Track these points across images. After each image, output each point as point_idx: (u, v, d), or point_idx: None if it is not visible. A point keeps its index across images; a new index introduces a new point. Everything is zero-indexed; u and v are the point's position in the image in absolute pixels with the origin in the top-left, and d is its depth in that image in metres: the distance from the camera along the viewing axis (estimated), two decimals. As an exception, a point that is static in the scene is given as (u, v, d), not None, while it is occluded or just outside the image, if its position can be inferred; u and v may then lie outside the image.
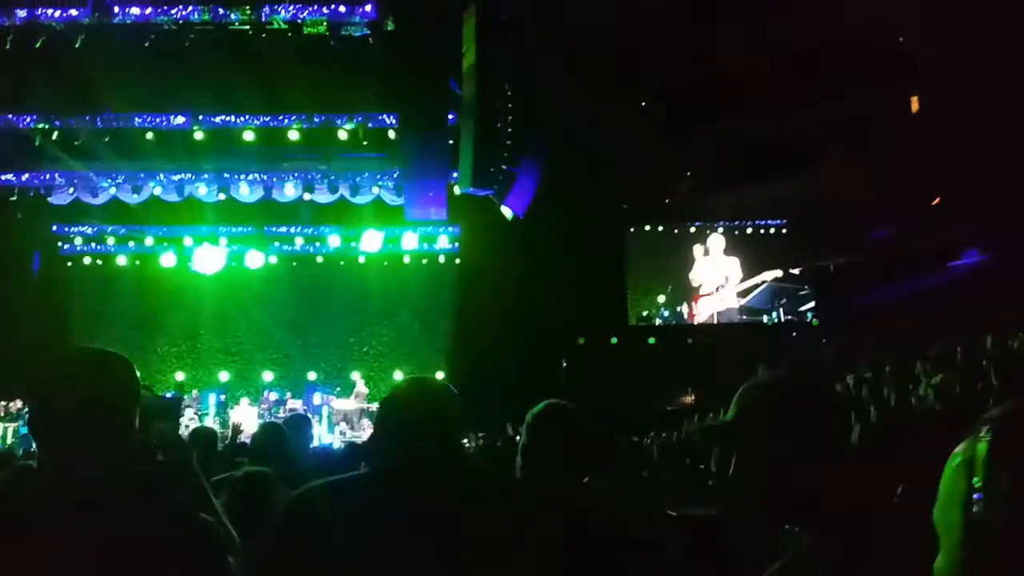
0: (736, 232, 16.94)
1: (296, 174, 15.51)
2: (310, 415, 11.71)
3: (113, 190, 15.31)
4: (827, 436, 1.43)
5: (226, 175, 15.39)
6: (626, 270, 16.94)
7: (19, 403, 14.32)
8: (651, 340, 16.49)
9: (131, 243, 17.23)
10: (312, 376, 17.08)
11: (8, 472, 1.79)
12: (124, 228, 16.94)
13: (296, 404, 15.50)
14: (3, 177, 15.20)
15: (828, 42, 13.41)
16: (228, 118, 14.60)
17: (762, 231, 17.01)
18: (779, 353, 14.14)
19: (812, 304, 16.37)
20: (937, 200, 14.61)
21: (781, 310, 16.53)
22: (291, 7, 13.83)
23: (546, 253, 14.72)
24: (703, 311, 16.65)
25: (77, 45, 13.32)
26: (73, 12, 13.56)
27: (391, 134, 14.90)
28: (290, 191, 15.57)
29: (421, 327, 17.46)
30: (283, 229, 16.97)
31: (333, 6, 13.92)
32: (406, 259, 17.42)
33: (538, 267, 14.70)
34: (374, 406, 15.69)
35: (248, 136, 14.68)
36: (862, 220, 14.82)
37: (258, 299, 17.21)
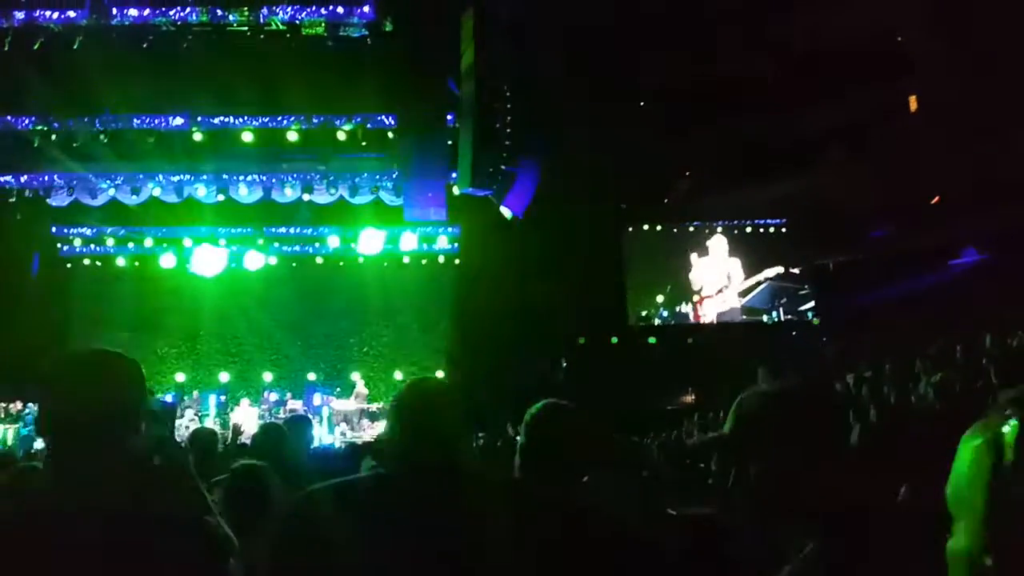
0: (735, 232, 16.94)
1: (295, 175, 15.51)
2: (310, 416, 11.71)
3: (112, 191, 15.31)
4: (825, 443, 1.43)
5: (225, 176, 15.39)
6: (625, 270, 16.94)
7: (19, 404, 14.32)
8: (652, 340, 16.48)
9: (130, 244, 17.23)
10: (312, 377, 17.08)
11: (12, 474, 1.79)
12: (123, 229, 16.94)
13: (296, 405, 15.51)
14: (2, 179, 15.19)
15: (827, 42, 13.41)
16: (227, 119, 14.60)
17: (762, 230, 17.01)
18: (779, 352, 14.13)
19: (812, 304, 16.38)
20: (936, 199, 14.61)
21: (781, 309, 16.54)
22: (289, 8, 13.83)
23: (545, 253, 14.72)
24: (708, 312, 16.65)
25: (75, 47, 13.31)
26: (71, 14, 13.55)
27: (390, 135, 14.90)
28: (289, 192, 15.57)
29: (421, 327, 17.46)
30: (282, 230, 16.98)
31: (331, 7, 13.91)
32: (405, 259, 17.43)
33: (537, 267, 14.70)
34: (374, 406, 15.71)
35: (247, 137, 14.67)
36: (862, 219, 14.83)
37: (258, 300, 17.21)
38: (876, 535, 1.27)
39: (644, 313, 16.79)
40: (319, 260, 17.43)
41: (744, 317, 16.57)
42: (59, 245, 17.16)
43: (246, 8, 13.70)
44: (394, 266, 17.41)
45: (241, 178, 15.41)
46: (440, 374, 15.05)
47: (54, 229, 16.83)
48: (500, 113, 12.81)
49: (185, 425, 13.38)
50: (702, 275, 16.77)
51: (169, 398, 15.56)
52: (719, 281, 16.71)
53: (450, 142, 13.64)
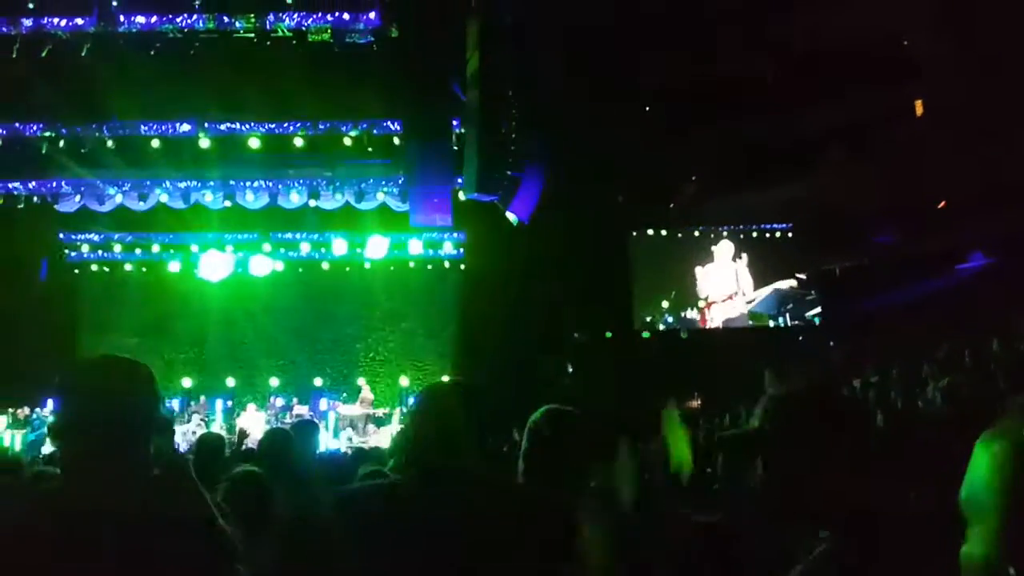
0: (741, 236, 16.89)
1: (301, 181, 15.57)
2: (316, 421, 11.71)
3: (119, 197, 15.38)
4: (853, 445, 1.43)
5: (232, 182, 15.45)
6: (631, 275, 16.90)
7: (26, 410, 14.37)
8: (645, 335, 16.41)
9: (138, 250, 17.31)
10: (318, 382, 17.11)
11: (25, 478, 1.81)
12: (131, 235, 17.02)
13: (302, 410, 15.53)
14: (10, 185, 15.28)
15: (832, 44, 13.40)
16: (234, 125, 14.66)
17: (767, 235, 16.96)
18: (785, 357, 14.10)
19: (818, 310, 16.30)
20: (943, 203, 14.57)
21: (788, 315, 16.48)
22: (295, 15, 13.88)
23: (551, 258, 14.72)
24: (715, 318, 16.59)
25: (83, 54, 13.38)
26: (79, 21, 13.62)
27: (396, 140, 14.94)
28: (295, 198, 15.62)
29: (426, 333, 17.48)
30: (289, 235, 17.03)
31: (337, 13, 13.96)
32: (411, 265, 17.46)
33: (542, 273, 14.70)
34: (380, 412, 15.73)
35: (254, 143, 14.73)
36: (868, 224, 14.79)
37: (264, 305, 17.26)
38: (887, 539, 1.27)
39: (648, 319, 16.74)
40: (325, 266, 17.47)
41: (751, 322, 16.52)
42: (67, 251, 17.24)
43: (252, 15, 13.75)
44: (400, 271, 17.44)
45: (248, 184, 15.47)
46: (444, 379, 15.05)
47: (62, 235, 16.91)
48: (505, 119, 12.83)
49: (192, 430, 13.41)
50: (709, 281, 16.72)
51: (175, 403, 15.61)
52: (728, 287, 16.65)
53: (456, 148, 13.67)
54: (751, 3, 13.26)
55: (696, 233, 16.94)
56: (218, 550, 1.67)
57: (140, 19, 13.74)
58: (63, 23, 13.62)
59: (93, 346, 15.55)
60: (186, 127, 14.58)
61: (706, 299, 16.61)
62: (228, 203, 15.59)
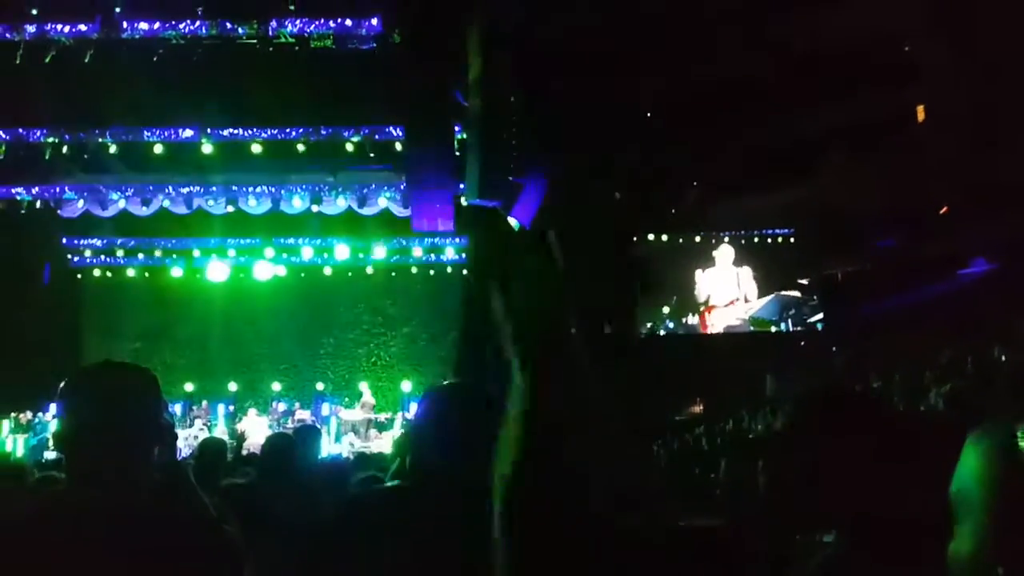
0: (743, 241, 16.86)
1: (304, 186, 15.59)
2: (319, 425, 11.72)
3: (122, 203, 15.41)
4: (880, 449, 1.43)
5: (234, 187, 15.48)
6: (634, 280, 16.88)
7: (29, 415, 14.38)
8: (644, 333, 16.38)
9: (140, 255, 17.35)
10: (320, 387, 17.12)
11: (29, 484, 1.82)
12: (133, 240, 17.06)
13: (304, 414, 15.54)
14: (14, 190, 15.31)
15: (833, 48, 13.42)
16: (236, 131, 14.69)
17: (769, 240, 16.92)
18: (787, 363, 14.10)
19: (821, 316, 16.26)
20: (945, 208, 14.56)
21: (790, 321, 16.44)
22: (298, 21, 13.91)
23: (552, 264, 14.71)
24: (716, 323, 16.54)
25: (86, 60, 13.42)
26: (82, 27, 13.66)
27: (398, 146, 14.96)
28: (298, 203, 15.65)
29: (429, 338, 17.50)
30: (291, 241, 17.06)
31: (340, 20, 14.00)
32: (413, 270, 17.49)
33: (544, 278, 14.69)
34: (382, 416, 15.73)
35: (256, 149, 14.76)
36: (869, 228, 14.78)
37: (266, 310, 17.28)
38: (892, 542, 1.27)
39: (648, 325, 16.70)
40: (327, 271, 17.50)
41: (752, 328, 16.49)
42: (70, 256, 17.27)
43: (255, 21, 13.80)
44: (402, 276, 17.46)
45: (250, 189, 15.50)
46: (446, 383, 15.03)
47: (65, 240, 16.95)
48: (507, 124, 12.85)
49: (194, 435, 13.42)
50: (709, 285, 16.68)
51: (178, 408, 15.62)
52: (729, 292, 16.62)
53: (457, 153, 13.69)
54: (752, 5, 13.28)
55: (697, 239, 16.92)
56: (222, 551, 1.68)
57: (143, 26, 13.78)
58: (66, 29, 13.66)
59: (96, 351, 15.58)
60: (189, 133, 14.61)
61: (706, 302, 16.57)
62: (231, 208, 15.62)
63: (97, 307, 17.24)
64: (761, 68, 13.86)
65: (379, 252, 16.73)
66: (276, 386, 17.15)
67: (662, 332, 16.65)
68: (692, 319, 16.62)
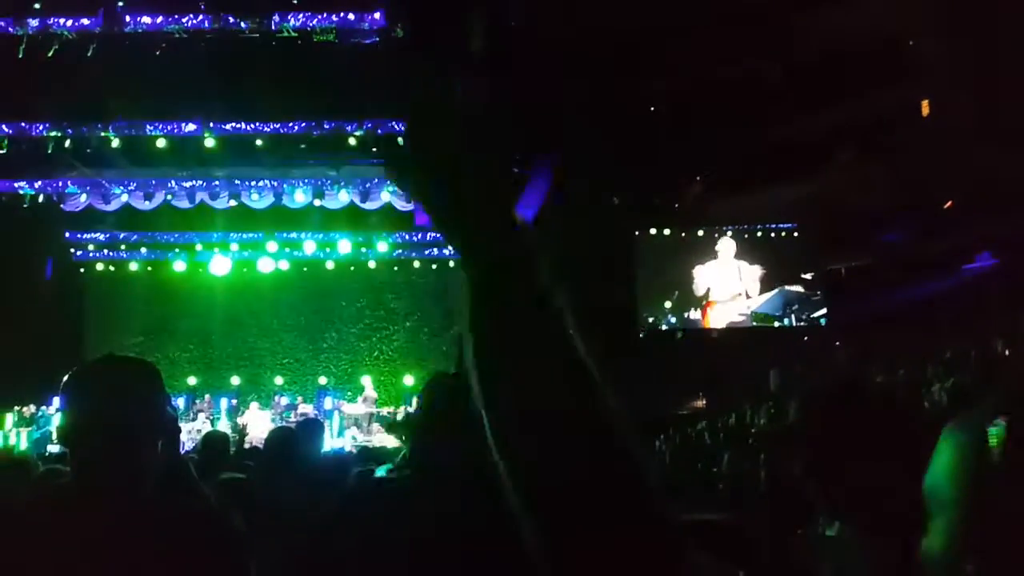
0: (746, 236, 16.80)
1: (306, 180, 15.59)
2: (321, 419, 11.73)
3: (125, 197, 15.42)
4: (891, 440, 1.43)
5: (237, 182, 15.48)
6: (637, 274, 16.86)
7: (32, 408, 14.42)
8: (641, 334, 16.37)
9: (143, 249, 17.37)
10: (323, 381, 17.13)
11: (34, 477, 1.82)
12: (136, 234, 17.07)
13: (307, 409, 15.56)
14: (16, 184, 15.32)
15: (839, 44, 13.37)
16: (239, 125, 14.69)
17: (772, 235, 16.87)
18: (790, 358, 14.09)
19: (824, 311, 16.21)
20: (949, 203, 14.53)
21: (793, 316, 16.40)
22: (300, 15, 13.89)
23: (555, 258, 14.70)
24: (717, 317, 16.50)
25: (89, 54, 13.41)
26: (85, 21, 13.65)
27: (400, 140, 14.94)
28: (300, 197, 15.65)
29: (431, 331, 17.50)
30: (294, 235, 17.06)
31: (342, 14, 13.97)
32: (416, 264, 17.49)
33: (548, 271, 14.68)
34: (384, 410, 15.75)
35: (258, 143, 14.75)
36: (874, 223, 14.76)
37: (269, 304, 17.30)
38: (896, 534, 1.27)
39: (650, 320, 16.67)
40: (330, 265, 17.50)
41: (754, 324, 16.45)
42: (73, 250, 17.29)
43: (258, 16, 13.78)
44: (404, 270, 17.46)
45: (253, 183, 15.50)
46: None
47: (68, 234, 16.97)
48: (511, 118, 12.81)
49: (197, 428, 13.44)
50: (710, 278, 16.61)
51: (180, 402, 15.65)
52: (731, 286, 16.58)
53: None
54: (757, 1, 13.24)
55: (700, 233, 16.86)
56: (226, 543, 1.68)
57: (146, 19, 13.77)
58: (69, 23, 13.65)
59: (98, 345, 15.61)
60: (191, 127, 14.61)
61: (706, 295, 16.51)
62: (233, 203, 15.62)
63: (100, 301, 17.27)
64: (765, 64, 13.82)
65: (381, 246, 16.74)
66: (279, 380, 17.17)
67: (664, 327, 16.62)
68: (694, 314, 16.57)
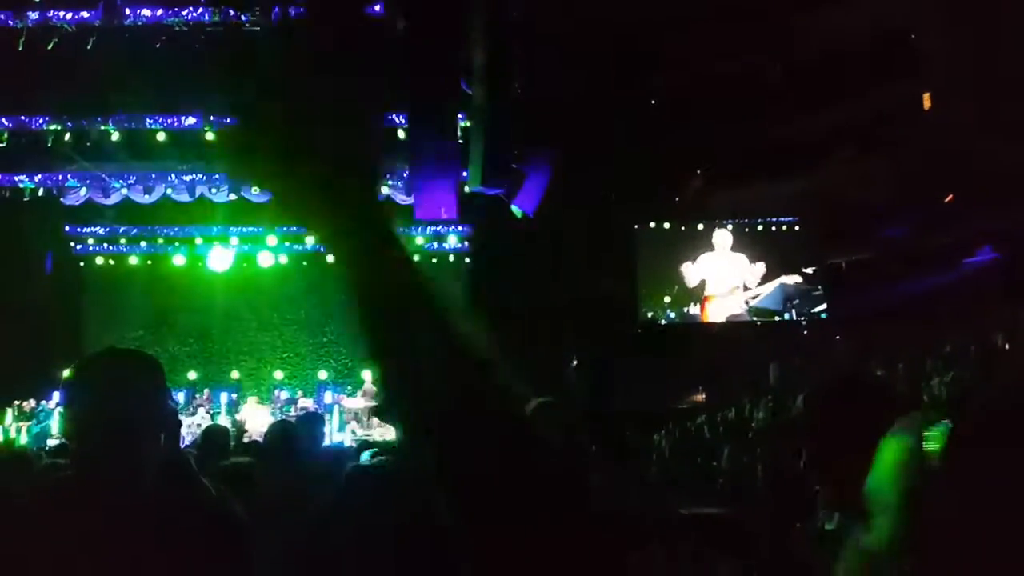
0: (747, 229, 16.75)
1: (306, 174, 15.55)
2: (322, 414, 11.75)
3: (125, 190, 15.39)
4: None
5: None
6: (636, 268, 16.83)
7: (32, 402, 14.42)
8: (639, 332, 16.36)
9: (143, 243, 17.35)
10: (323, 375, 17.13)
11: (36, 471, 1.82)
12: (136, 228, 17.05)
13: (307, 403, 15.57)
14: (16, 178, 15.31)
15: (839, 38, 13.34)
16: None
17: (773, 228, 16.81)
18: (790, 351, 14.10)
19: (825, 306, 16.18)
20: (950, 197, 14.52)
21: (794, 311, 16.35)
22: (301, 8, 13.86)
23: (555, 251, 14.71)
24: (715, 313, 16.45)
25: (88, 47, 13.38)
26: (84, 14, 13.62)
27: (400, 134, 14.92)
28: (301, 191, 15.61)
29: (431, 326, 17.49)
30: (294, 228, 17.03)
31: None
32: (416, 258, 17.40)
33: (547, 265, 14.69)
34: (385, 405, 15.74)
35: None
36: (874, 217, 14.74)
37: (269, 298, 17.29)
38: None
39: (649, 315, 16.63)
40: (330, 258, 17.40)
41: (754, 318, 16.42)
42: (72, 244, 17.28)
43: (258, 8, 13.75)
44: (405, 265, 17.45)
45: (253, 177, 15.47)
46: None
47: (67, 228, 16.95)
48: (511, 112, 12.81)
49: (197, 423, 13.46)
50: (706, 271, 16.52)
51: (180, 396, 15.67)
52: (729, 279, 16.53)
53: (461, 141, 13.65)
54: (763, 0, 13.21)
55: (700, 227, 16.79)
56: (228, 535, 1.68)
57: (146, 12, 13.74)
58: (69, 16, 13.62)
59: (98, 339, 15.61)
60: (192, 120, 14.58)
61: (701, 286, 16.44)
62: (233, 196, 15.61)
63: (99, 295, 17.26)
64: (766, 58, 13.79)
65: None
66: (278, 374, 17.17)
67: (663, 322, 16.59)
68: (693, 308, 16.54)
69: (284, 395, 16.17)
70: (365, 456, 2.84)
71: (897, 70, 13.46)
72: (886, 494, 0.82)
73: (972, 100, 12.93)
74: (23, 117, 14.44)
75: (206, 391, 16.14)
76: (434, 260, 17.53)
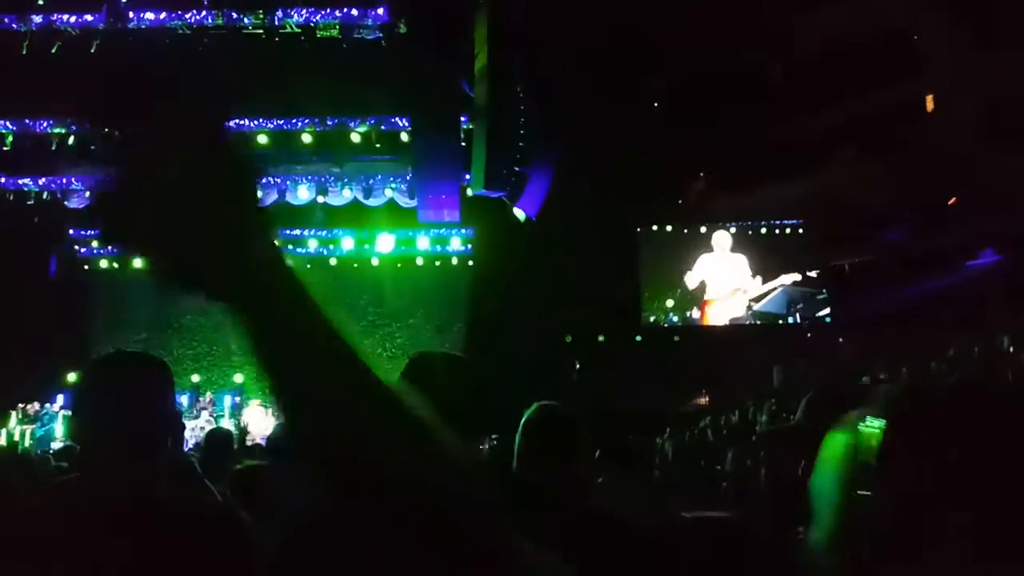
0: (750, 232, 16.71)
1: (310, 176, 15.58)
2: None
3: (128, 194, 15.41)
4: None
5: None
6: (639, 271, 16.81)
7: (36, 405, 14.44)
8: (638, 338, 16.32)
9: (146, 246, 17.36)
10: (326, 378, 17.13)
11: (41, 474, 1.82)
12: (139, 231, 17.06)
13: (310, 406, 15.56)
14: (21, 181, 15.35)
15: (842, 41, 13.34)
16: (242, 121, 14.69)
17: (777, 231, 16.77)
18: (794, 354, 14.07)
19: (829, 310, 16.13)
20: (953, 200, 14.50)
21: (798, 315, 16.30)
22: (304, 11, 13.89)
23: (558, 254, 14.71)
24: (715, 316, 16.40)
25: (92, 50, 13.42)
26: (88, 17, 13.67)
27: (404, 137, 14.94)
28: (304, 194, 15.64)
29: (434, 329, 17.49)
30: (297, 232, 17.06)
31: (346, 9, 13.97)
32: (419, 261, 17.48)
33: (550, 268, 14.69)
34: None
35: (262, 139, 14.75)
36: (878, 220, 14.73)
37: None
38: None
39: (652, 319, 16.59)
40: (333, 262, 17.49)
41: (758, 322, 16.38)
42: (77, 247, 17.30)
43: (261, 11, 13.78)
44: (408, 268, 17.46)
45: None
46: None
47: (72, 231, 16.98)
48: (513, 114, 12.82)
49: (200, 426, 13.47)
50: (706, 272, 16.47)
51: (184, 399, 15.68)
52: (729, 281, 16.48)
53: (464, 144, 13.67)
54: (761, 1, 13.21)
55: (703, 229, 16.75)
56: (236, 539, 1.68)
57: (149, 16, 13.78)
58: (73, 20, 13.66)
59: (102, 342, 15.63)
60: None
61: (701, 287, 16.40)
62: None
63: (104, 298, 17.28)
64: (770, 61, 13.79)
65: (385, 243, 16.71)
66: (282, 377, 17.17)
67: (666, 325, 16.56)
68: (696, 312, 16.50)
69: (287, 398, 16.16)
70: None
71: (900, 73, 13.45)
72: (826, 491, 0.84)
73: (975, 103, 12.92)
74: (27, 120, 14.48)
75: (209, 394, 16.15)
76: (437, 263, 17.54)
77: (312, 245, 17.27)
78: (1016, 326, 10.46)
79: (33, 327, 14.79)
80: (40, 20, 13.56)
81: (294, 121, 14.75)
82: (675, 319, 16.52)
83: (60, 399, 14.38)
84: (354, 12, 13.98)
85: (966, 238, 14.29)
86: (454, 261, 17.46)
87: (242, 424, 14.56)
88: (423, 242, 16.87)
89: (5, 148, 14.54)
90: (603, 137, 13.95)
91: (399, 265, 17.42)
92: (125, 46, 13.50)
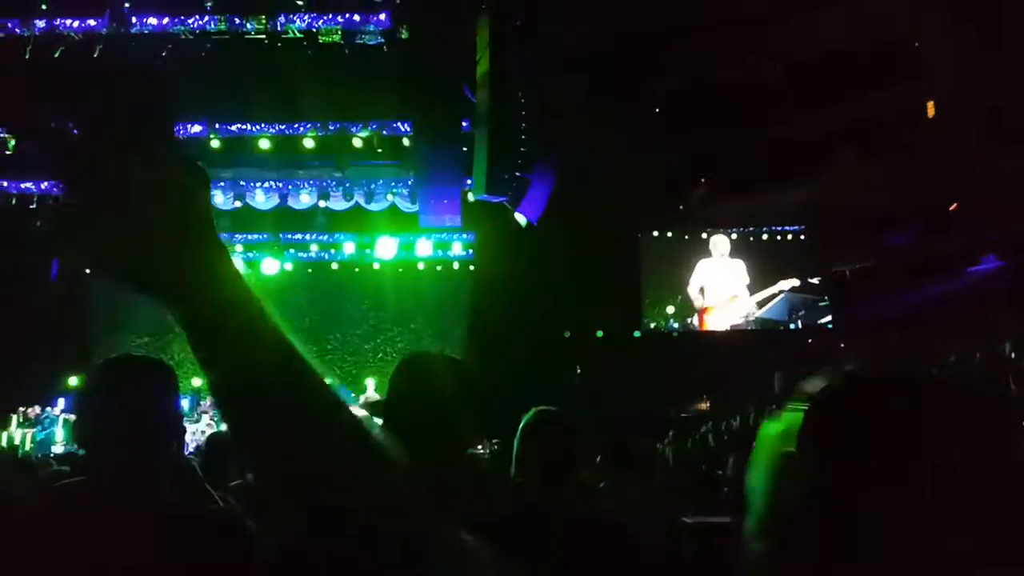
0: (751, 238, 16.70)
1: (311, 181, 15.60)
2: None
3: (130, 197, 15.43)
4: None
5: (242, 183, 15.50)
6: (640, 277, 16.79)
7: (37, 409, 14.44)
8: (636, 334, 16.28)
9: (148, 250, 17.38)
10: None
11: (42, 477, 1.82)
12: (141, 235, 17.08)
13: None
14: (22, 185, 15.37)
15: (843, 46, 13.35)
16: (244, 126, 14.71)
17: (778, 237, 16.75)
18: (795, 360, 14.05)
19: (830, 316, 16.10)
20: (955, 206, 14.49)
21: (799, 322, 16.27)
22: (306, 16, 13.92)
23: (559, 260, 14.71)
24: (714, 324, 16.35)
25: (95, 55, 13.45)
26: (91, 22, 13.70)
27: (405, 141, 14.96)
28: (305, 198, 15.66)
29: (435, 333, 17.48)
30: (298, 236, 17.07)
31: (348, 15, 14.00)
32: (420, 266, 17.48)
33: (552, 274, 14.69)
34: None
35: (264, 144, 14.77)
36: (879, 226, 14.72)
37: (273, 305, 17.23)
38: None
39: (652, 325, 16.56)
40: (335, 266, 17.50)
41: (759, 328, 16.34)
42: (78, 250, 17.31)
43: (263, 16, 13.82)
44: (409, 272, 17.46)
45: (258, 185, 15.52)
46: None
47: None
48: (515, 120, 12.84)
49: (201, 429, 13.47)
50: (704, 278, 16.43)
51: (185, 402, 15.67)
52: (728, 287, 16.45)
53: (465, 149, 13.69)
54: (761, 5, 13.23)
55: (704, 235, 16.75)
56: (240, 542, 1.68)
57: (152, 20, 13.81)
58: (75, 24, 13.70)
59: (103, 346, 15.64)
60: (197, 128, 14.64)
61: (700, 292, 16.35)
62: (238, 204, 15.64)
63: (105, 302, 17.28)
64: (770, 65, 13.80)
65: (386, 247, 16.72)
66: (283, 381, 17.17)
67: (667, 331, 16.52)
68: (697, 319, 16.47)
69: (288, 402, 16.16)
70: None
71: (901, 78, 13.46)
72: (756, 482, 0.85)
73: (976, 107, 12.92)
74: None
75: (209, 398, 16.14)
76: (439, 268, 17.55)
77: (314, 249, 17.27)
78: (1018, 332, 10.45)
79: (34, 331, 14.79)
80: (43, 25, 13.59)
81: (296, 126, 14.78)
82: (676, 325, 16.49)
83: (61, 403, 14.37)
84: (356, 18, 14.01)
85: (968, 244, 14.28)
86: (455, 266, 17.47)
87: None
88: (424, 247, 16.87)
89: (7, 152, 14.56)
90: (604, 141, 13.96)
91: (400, 270, 17.42)
92: (128, 51, 13.53)
